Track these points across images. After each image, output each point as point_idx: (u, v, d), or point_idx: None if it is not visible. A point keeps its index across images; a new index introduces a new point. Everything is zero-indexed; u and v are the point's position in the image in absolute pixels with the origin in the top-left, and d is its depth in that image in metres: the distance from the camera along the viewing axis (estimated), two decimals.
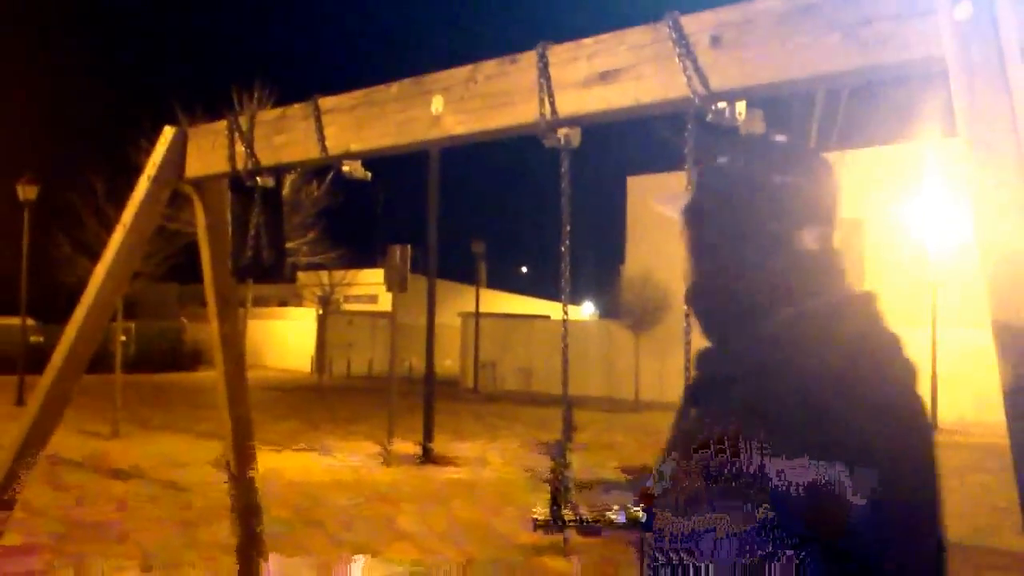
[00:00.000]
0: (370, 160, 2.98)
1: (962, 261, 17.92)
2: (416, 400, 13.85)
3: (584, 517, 3.89)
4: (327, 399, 23.70)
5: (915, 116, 20.81)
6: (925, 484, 1.28)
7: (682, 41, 1.97)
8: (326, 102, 2.94)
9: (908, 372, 1.29)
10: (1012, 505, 1.55)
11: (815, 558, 1.17)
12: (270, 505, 4.70)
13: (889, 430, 1.20)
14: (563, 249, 2.60)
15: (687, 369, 1.81)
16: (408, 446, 13.05)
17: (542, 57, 2.27)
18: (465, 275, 33.62)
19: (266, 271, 3.59)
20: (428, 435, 12.88)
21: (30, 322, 23.44)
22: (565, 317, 2.74)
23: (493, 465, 12.71)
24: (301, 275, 35.85)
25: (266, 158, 3.19)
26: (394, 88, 2.72)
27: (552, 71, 2.26)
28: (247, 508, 4.02)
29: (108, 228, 3.96)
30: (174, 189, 3.73)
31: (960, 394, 19.02)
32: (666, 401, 16.11)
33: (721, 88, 1.95)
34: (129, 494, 9.94)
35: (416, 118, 2.62)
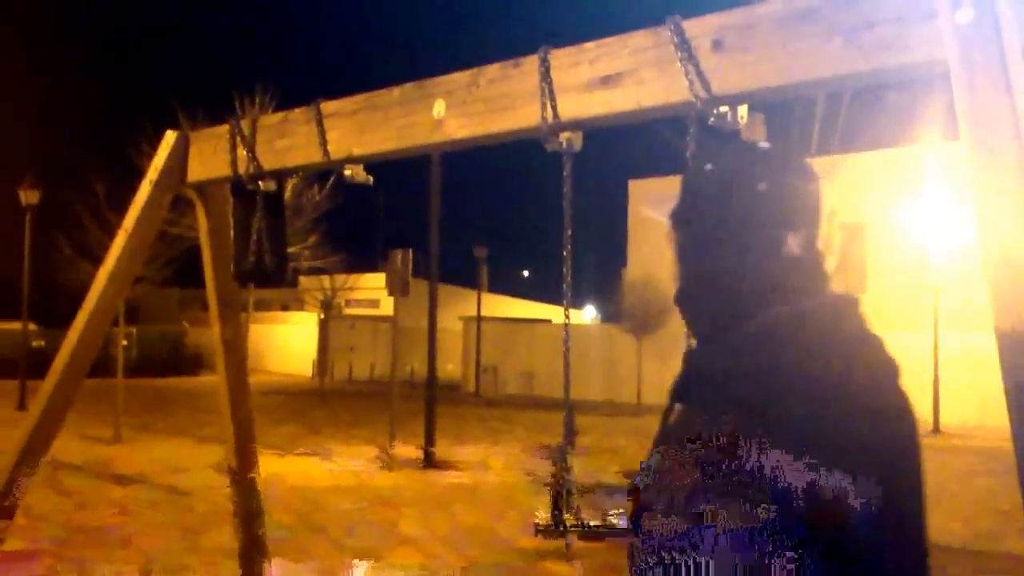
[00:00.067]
0: (371, 164, 2.98)
1: (963, 265, 17.90)
2: (418, 404, 13.84)
3: (586, 522, 3.88)
4: (329, 403, 23.68)
5: (916, 119, 20.83)
6: (910, 483, 1.28)
7: (684, 45, 1.97)
8: (328, 106, 2.95)
9: (891, 372, 1.32)
10: (1015, 509, 1.55)
11: (802, 559, 1.18)
12: (272, 510, 4.70)
13: (872, 429, 1.22)
14: (565, 254, 2.60)
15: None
16: (410, 450, 13.04)
17: (544, 61, 2.27)
18: (467, 279, 33.66)
19: (268, 276, 3.59)
20: (430, 439, 12.87)
21: (32, 326, 23.46)
22: (567, 321, 2.74)
23: (495, 469, 12.70)
24: (303, 279, 35.85)
25: (268, 162, 3.19)
26: (396, 92, 2.73)
27: (554, 75, 2.26)
28: (249, 513, 4.02)
29: (110, 232, 3.96)
30: (176, 193, 3.74)
31: (963, 398, 18.99)
32: None
33: (723, 92, 1.95)
34: (131, 499, 9.93)
35: (418, 122, 2.62)
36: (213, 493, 9.50)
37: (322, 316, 34.38)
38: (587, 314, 46.40)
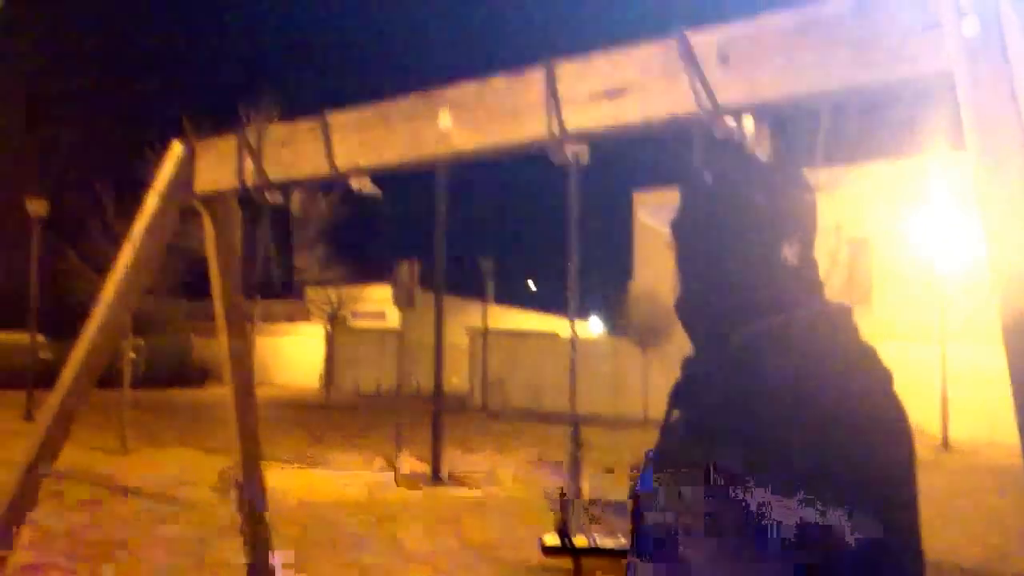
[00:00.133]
0: (378, 175, 2.99)
1: (971, 277, 17.83)
2: (424, 417, 13.81)
3: (593, 541, 3.86)
4: (335, 416, 23.67)
5: (922, 130, 20.77)
6: (905, 489, 1.30)
7: (690, 57, 1.97)
8: (335, 117, 2.95)
9: (883, 379, 1.34)
10: None
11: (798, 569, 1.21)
12: (278, 524, 4.69)
13: (865, 435, 1.25)
14: (570, 266, 2.60)
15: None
16: (417, 464, 13.01)
17: (550, 73, 2.27)
18: (473, 291, 33.60)
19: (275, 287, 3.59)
20: (436, 454, 12.85)
21: (39, 338, 23.51)
22: (573, 336, 2.74)
23: (503, 484, 12.66)
24: (309, 291, 35.92)
25: (275, 173, 3.19)
26: (403, 103, 2.73)
27: (560, 87, 2.26)
28: (255, 527, 4.00)
29: (117, 243, 3.96)
30: (183, 204, 3.74)
31: (972, 413, 18.86)
32: None
33: (729, 104, 1.95)
34: (138, 511, 9.93)
35: (424, 133, 2.62)
36: (219, 505, 9.49)
37: (328, 328, 34.40)
38: (593, 326, 46.31)
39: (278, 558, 4.10)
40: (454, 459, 14.00)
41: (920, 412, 17.97)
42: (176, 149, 3.59)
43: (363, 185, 3.00)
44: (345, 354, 35.75)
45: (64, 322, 18.24)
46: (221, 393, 4.16)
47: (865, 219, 22.02)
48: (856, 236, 21.68)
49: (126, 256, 3.72)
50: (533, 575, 7.41)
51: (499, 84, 2.44)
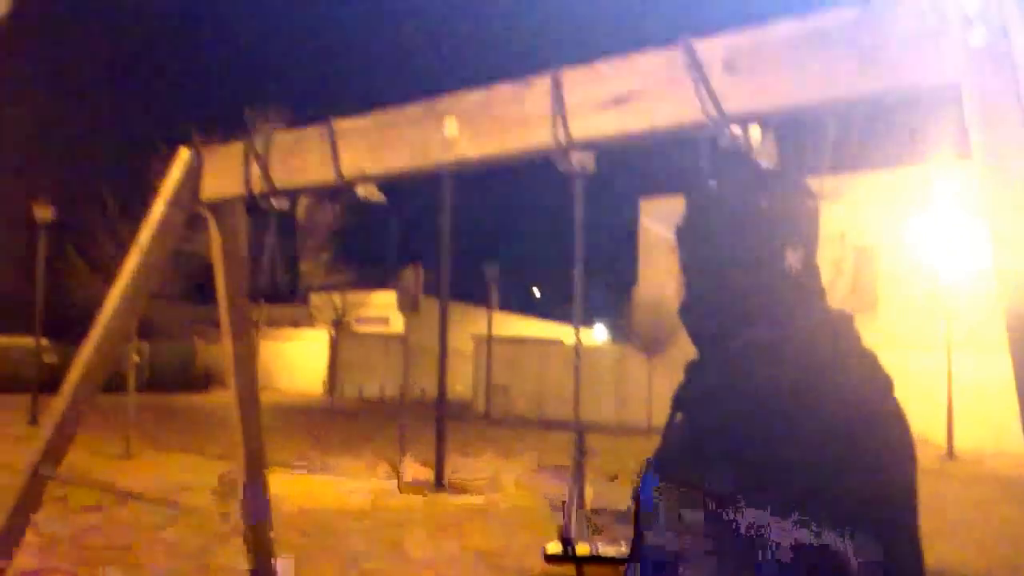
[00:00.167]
0: (383, 182, 2.99)
1: (977, 285, 17.78)
2: (428, 423, 13.80)
3: (595, 550, 3.85)
4: (339, 422, 23.68)
5: (927, 138, 20.76)
6: (903, 491, 1.31)
7: (696, 66, 1.98)
8: (341, 124, 2.95)
9: (883, 384, 1.36)
10: None
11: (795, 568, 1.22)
12: (281, 529, 4.68)
13: (864, 439, 1.26)
14: (575, 275, 2.60)
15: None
16: (420, 471, 13.00)
17: (556, 81, 2.28)
18: (477, 297, 33.62)
19: (280, 293, 3.59)
20: (440, 460, 12.83)
21: (44, 342, 23.56)
22: (578, 343, 2.74)
23: (506, 491, 12.64)
24: (314, 297, 35.97)
25: (281, 180, 3.20)
26: (409, 110, 2.73)
27: (566, 95, 2.26)
28: (258, 532, 4.00)
29: (124, 248, 3.97)
30: (190, 210, 3.75)
31: (978, 423, 18.80)
32: None
33: (735, 112, 1.95)
34: (141, 516, 9.93)
35: (430, 141, 2.63)
36: (222, 511, 9.48)
37: (333, 334, 34.43)
38: (598, 333, 46.27)
39: (281, 564, 4.10)
40: (457, 466, 13.99)
41: (925, 421, 17.94)
42: (183, 156, 3.60)
43: (369, 192, 3.01)
44: (349, 359, 35.78)
45: (69, 326, 18.31)
46: (225, 398, 4.16)
47: (870, 227, 21.99)
48: (861, 244, 21.65)
49: (132, 262, 3.73)
50: None
51: (505, 92, 2.45)
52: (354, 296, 32.83)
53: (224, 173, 3.46)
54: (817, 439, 1.24)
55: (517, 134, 2.40)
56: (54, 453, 3.86)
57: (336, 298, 32.16)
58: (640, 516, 1.45)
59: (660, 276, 23.43)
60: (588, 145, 2.27)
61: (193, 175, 3.58)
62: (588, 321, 45.55)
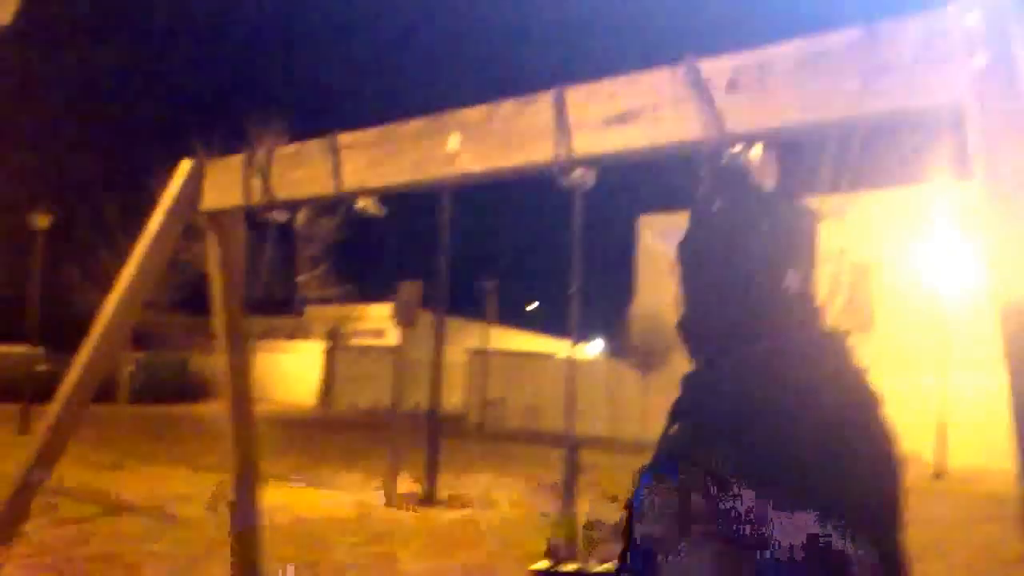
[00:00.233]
0: (383, 195, 3.00)
1: (973, 305, 17.82)
2: (422, 436, 13.74)
3: (585, 569, 3.83)
4: (332, 434, 23.59)
5: (927, 159, 20.86)
6: (890, 509, 1.37)
7: (699, 84, 1.99)
8: (344, 138, 2.96)
9: (872, 401, 1.42)
10: (1022, 556, 1.57)
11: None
12: (270, 542, 4.66)
13: (852, 452, 1.33)
14: (572, 291, 2.60)
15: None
16: (412, 484, 12.94)
17: (559, 98, 2.29)
18: (473, 311, 33.60)
19: (277, 304, 3.59)
20: (432, 474, 12.78)
21: (38, 350, 23.49)
22: (572, 357, 2.73)
23: (498, 506, 12.59)
24: (309, 308, 35.92)
25: (282, 192, 3.21)
26: (411, 125, 2.74)
27: (569, 112, 2.27)
28: (248, 545, 3.98)
29: (120, 257, 3.96)
30: (189, 221, 3.75)
31: (969, 441, 18.81)
32: None
33: (738, 131, 1.96)
34: (132, 527, 9.86)
35: (433, 156, 2.64)
36: (212, 523, 9.43)
37: (328, 346, 34.37)
38: (593, 348, 46.23)
39: (288, 571, 4.08)
40: (450, 480, 13.93)
41: (918, 439, 17.91)
42: (185, 167, 3.61)
43: (367, 205, 3.01)
44: (344, 372, 35.69)
45: (62, 335, 18.26)
46: (219, 409, 4.15)
47: (868, 245, 22.04)
48: (859, 261, 21.70)
49: (130, 270, 3.73)
50: None
51: (508, 108, 2.46)
52: (350, 308, 32.81)
53: (225, 184, 3.47)
54: (808, 448, 1.30)
55: (520, 149, 2.41)
56: (46, 460, 3.84)
57: (332, 310, 32.13)
58: (632, 515, 1.50)
59: (656, 292, 23.43)
60: (590, 161, 2.28)
61: (194, 186, 3.59)
62: (584, 336, 45.52)
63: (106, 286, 3.95)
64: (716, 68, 2.01)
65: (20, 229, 21.69)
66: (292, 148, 3.24)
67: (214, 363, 4.31)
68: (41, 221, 20.76)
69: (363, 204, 3.02)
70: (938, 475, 18.16)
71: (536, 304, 56.34)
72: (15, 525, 3.85)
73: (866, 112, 1.79)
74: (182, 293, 20.18)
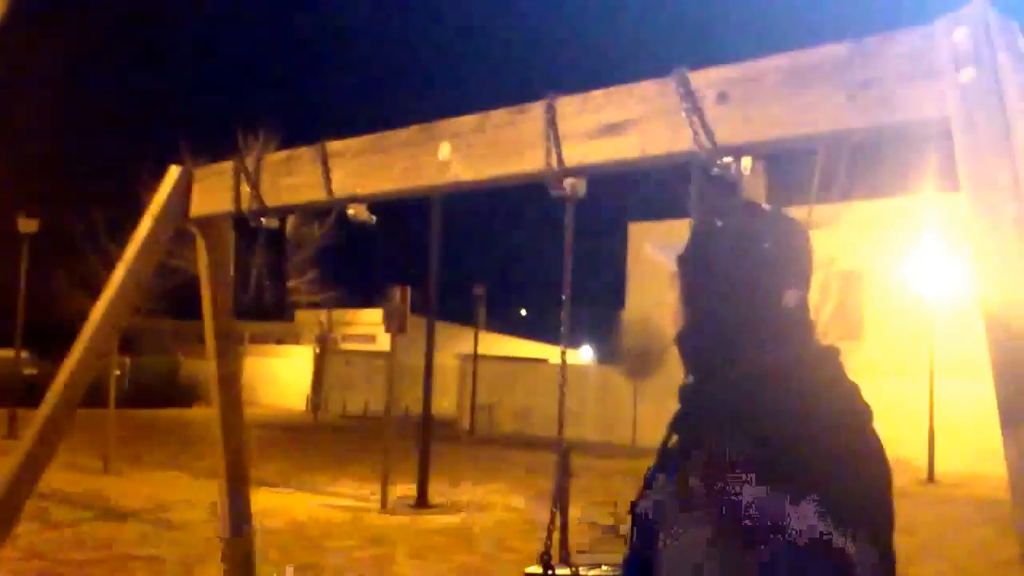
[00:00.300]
0: (374, 202, 3.00)
1: (960, 313, 17.94)
2: (412, 442, 13.75)
3: (577, 571, 3.83)
4: (322, 439, 23.55)
5: (914, 171, 21.02)
6: (879, 516, 1.41)
7: (689, 96, 2.00)
8: (334, 146, 2.97)
9: (864, 417, 1.46)
10: (1011, 560, 1.61)
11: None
12: (263, 548, 4.65)
13: (845, 468, 1.36)
14: (564, 298, 2.61)
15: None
16: (404, 490, 12.94)
17: (550, 108, 2.30)
18: (464, 316, 33.59)
19: (267, 310, 3.59)
20: (423, 479, 12.78)
21: (25, 355, 23.37)
22: (563, 363, 2.75)
23: (489, 510, 12.60)
24: (299, 313, 35.86)
25: (272, 199, 3.21)
26: (402, 134, 2.75)
27: (560, 122, 2.29)
28: (237, 547, 3.97)
29: (108, 262, 3.96)
30: (177, 227, 3.74)
31: (958, 447, 18.92)
32: None
33: (727, 143, 1.98)
34: (121, 532, 9.83)
35: (423, 164, 2.64)
36: (203, 527, 9.40)
37: (317, 351, 34.30)
38: (584, 354, 46.27)
39: (288, 573, 4.08)
40: (441, 485, 13.93)
41: (907, 446, 17.98)
42: (173, 173, 3.60)
43: (358, 212, 3.01)
44: (334, 377, 35.62)
45: (49, 339, 18.17)
46: (208, 413, 4.14)
47: (857, 254, 22.15)
48: (847, 270, 21.80)
49: (118, 276, 3.71)
50: None
51: (500, 118, 2.47)
52: (340, 314, 32.74)
53: (214, 191, 3.47)
54: (806, 448, 1.35)
55: (511, 159, 2.42)
56: (35, 467, 3.82)
57: (322, 315, 32.07)
58: (635, 521, 1.57)
59: (647, 299, 23.51)
60: (581, 171, 2.30)
61: (182, 192, 3.58)
62: (575, 342, 45.55)
63: (94, 291, 3.94)
64: (706, 80, 2.02)
65: (7, 233, 21.60)
66: (282, 155, 3.24)
67: (204, 368, 4.31)
68: (28, 225, 20.68)
69: (354, 211, 3.02)
70: (928, 480, 18.27)
71: (523, 311, 56.43)
72: (6, 530, 3.83)
73: (854, 125, 1.81)
74: (172, 298, 20.09)
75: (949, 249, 18.67)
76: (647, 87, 2.14)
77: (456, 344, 33.00)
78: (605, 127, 2.20)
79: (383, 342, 24.42)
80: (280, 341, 42.28)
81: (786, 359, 1.47)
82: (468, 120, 2.55)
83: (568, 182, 2.30)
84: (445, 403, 30.29)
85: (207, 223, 3.67)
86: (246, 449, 4.04)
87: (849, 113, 1.80)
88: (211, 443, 4.03)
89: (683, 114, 2.00)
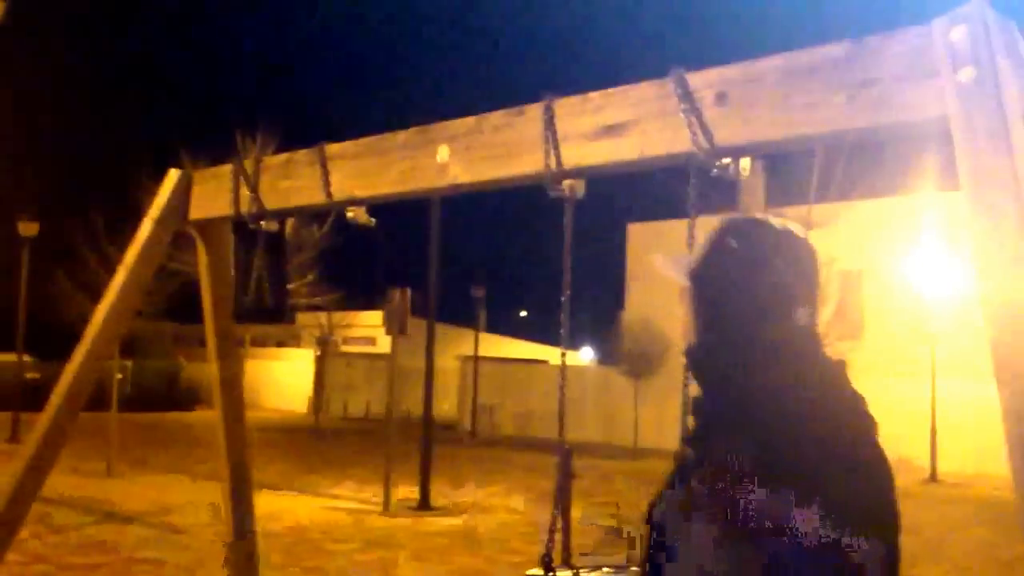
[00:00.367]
0: (372, 204, 3.00)
1: (961, 313, 17.92)
2: (413, 444, 13.74)
3: (579, 575, 3.82)
4: (324, 441, 23.53)
5: (913, 170, 21.00)
6: (886, 517, 1.46)
7: (687, 97, 2.00)
8: (332, 148, 2.97)
9: (872, 428, 1.51)
10: (1016, 560, 1.61)
11: None
12: (266, 551, 4.65)
13: (851, 477, 1.40)
14: (564, 299, 2.61)
15: (684, 417, 2.02)
16: (405, 492, 12.93)
17: (548, 109, 2.30)
18: (464, 319, 33.57)
19: (268, 312, 3.60)
20: (425, 482, 12.77)
21: (27, 358, 23.37)
22: (563, 365, 2.74)
23: (491, 512, 12.59)
24: (300, 316, 35.81)
25: (271, 202, 3.21)
26: (400, 136, 2.75)
27: (558, 123, 2.28)
28: (242, 555, 3.97)
29: (108, 265, 3.96)
30: (177, 231, 3.75)
31: (961, 446, 18.90)
32: (665, 448, 15.93)
33: (725, 144, 1.98)
34: (124, 536, 9.82)
35: (422, 166, 2.64)
36: (206, 531, 9.40)
37: (318, 353, 34.28)
38: (584, 355, 46.24)
39: None
40: (442, 486, 13.92)
41: (909, 445, 17.91)
42: (173, 176, 3.60)
43: (357, 215, 3.02)
44: (335, 379, 35.58)
45: (51, 343, 18.16)
46: (210, 417, 4.14)
47: (857, 254, 22.13)
48: (848, 269, 21.79)
49: (119, 280, 3.72)
50: None
51: (498, 119, 2.46)
52: (341, 316, 32.71)
53: (213, 194, 3.47)
54: (815, 453, 1.40)
55: (508, 161, 2.41)
56: (38, 471, 3.82)
57: (323, 317, 32.04)
58: (652, 527, 1.60)
59: (647, 301, 23.47)
60: (579, 172, 2.30)
61: (182, 196, 3.59)
62: (575, 344, 45.53)
63: (95, 294, 3.95)
64: (705, 81, 2.02)
65: (7, 237, 21.60)
66: (280, 158, 3.25)
67: (205, 371, 4.32)
68: (28, 229, 20.68)
69: (353, 214, 3.03)
70: (931, 480, 18.25)
71: (524, 312, 56.39)
72: (9, 534, 3.83)
73: (853, 126, 1.81)
74: (172, 301, 20.05)
75: (949, 248, 18.65)
76: (645, 88, 2.13)
77: (456, 346, 32.97)
78: (603, 128, 2.20)
79: (384, 344, 24.43)
80: (281, 344, 42.25)
81: (798, 373, 1.50)
82: (466, 122, 2.54)
83: (567, 183, 2.30)
84: (446, 405, 30.26)
85: (207, 226, 3.67)
86: (248, 452, 4.04)
87: (848, 113, 1.80)
88: (213, 446, 4.03)
89: (681, 115, 1.99)
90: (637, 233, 28.01)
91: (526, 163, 2.37)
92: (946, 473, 18.61)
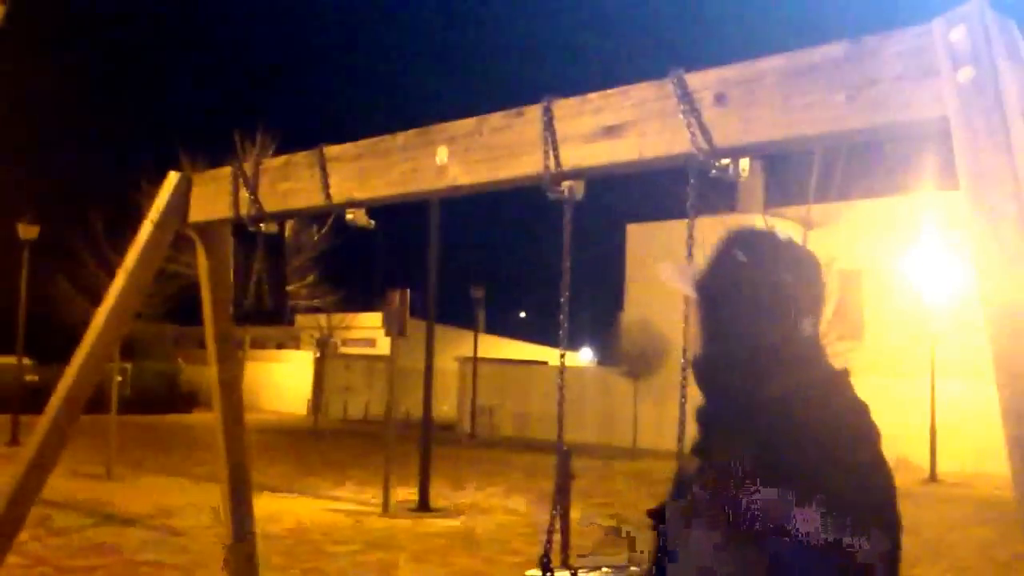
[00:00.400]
0: (372, 206, 3.00)
1: (960, 312, 17.91)
2: (413, 445, 13.73)
3: (576, 573, 3.81)
4: (323, 443, 23.52)
5: (912, 169, 21.01)
6: (888, 518, 1.47)
7: (686, 98, 2.00)
8: (331, 150, 2.97)
9: (873, 433, 1.54)
10: (1015, 560, 1.63)
11: None
12: (265, 553, 4.64)
13: (854, 482, 1.43)
14: (563, 300, 2.60)
15: (682, 419, 2.03)
16: (405, 493, 12.92)
17: (547, 111, 2.29)
18: (463, 320, 33.57)
19: (268, 315, 3.60)
20: (424, 483, 12.77)
21: (26, 361, 23.35)
22: (562, 365, 2.74)
23: (491, 513, 12.58)
24: (299, 318, 35.80)
25: (270, 205, 3.21)
26: (400, 138, 2.75)
27: (557, 125, 2.28)
28: (242, 557, 3.97)
29: (108, 268, 3.96)
30: (177, 233, 3.75)
31: (960, 446, 18.90)
32: (664, 449, 15.95)
33: (724, 145, 1.97)
34: (122, 538, 9.82)
35: (421, 168, 2.64)
36: (206, 533, 9.40)
37: (318, 355, 34.27)
38: (583, 356, 46.23)
39: None
40: (442, 488, 13.91)
41: (909, 445, 17.88)
42: (172, 179, 3.60)
43: (357, 216, 3.02)
44: (334, 381, 35.58)
45: (51, 345, 18.15)
46: (209, 419, 4.14)
47: (857, 253, 22.14)
48: (847, 269, 21.79)
49: (119, 283, 3.72)
50: None
51: (497, 121, 2.46)
52: (340, 317, 32.72)
53: (213, 197, 3.47)
54: (818, 454, 1.43)
55: (508, 162, 2.41)
56: (39, 474, 3.82)
57: (322, 319, 32.04)
58: (659, 533, 1.65)
59: (646, 302, 23.47)
60: (578, 173, 2.29)
61: (181, 198, 3.59)
62: (574, 345, 45.51)
63: (94, 297, 3.95)
64: (704, 82, 2.02)
65: (8, 240, 21.59)
66: (280, 160, 3.25)
67: (204, 373, 4.31)
68: (28, 232, 20.67)
69: (352, 216, 3.03)
70: (930, 479, 18.27)
71: (523, 313, 56.39)
72: (9, 537, 3.83)
73: (852, 126, 1.81)
74: (171, 303, 20.04)
75: (949, 248, 18.64)
76: (644, 89, 2.13)
77: (456, 347, 32.97)
78: (603, 129, 2.19)
79: (383, 345, 24.41)
80: (280, 345, 42.24)
81: (804, 383, 1.52)
82: (465, 123, 2.54)
83: (566, 184, 2.29)
84: (445, 406, 30.25)
85: (206, 228, 3.67)
86: (248, 454, 4.04)
87: (848, 113, 1.79)
88: (213, 448, 4.03)
89: (681, 116, 1.99)
90: (636, 234, 28.02)
91: (525, 164, 2.36)
92: (946, 473, 18.61)
